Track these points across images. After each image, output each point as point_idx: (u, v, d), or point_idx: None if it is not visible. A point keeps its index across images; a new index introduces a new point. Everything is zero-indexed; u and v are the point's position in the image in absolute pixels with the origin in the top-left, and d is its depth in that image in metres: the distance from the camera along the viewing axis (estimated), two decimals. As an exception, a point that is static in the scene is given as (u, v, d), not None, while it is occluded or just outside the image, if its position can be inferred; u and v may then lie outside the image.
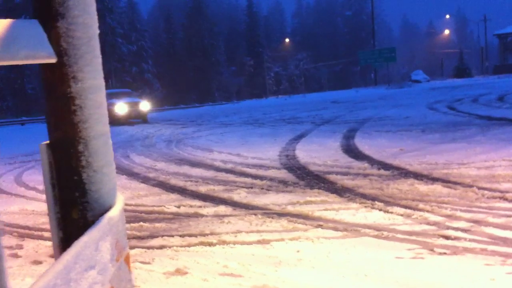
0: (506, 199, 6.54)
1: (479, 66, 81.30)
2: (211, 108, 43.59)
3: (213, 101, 57.10)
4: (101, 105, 2.07)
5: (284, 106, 36.39)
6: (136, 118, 28.21)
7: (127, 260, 2.44)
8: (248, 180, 9.32)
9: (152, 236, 6.11)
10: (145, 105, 29.12)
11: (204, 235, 6.00)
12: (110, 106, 25.77)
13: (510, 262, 4.38)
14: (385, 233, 5.57)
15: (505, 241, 4.99)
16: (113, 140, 2.20)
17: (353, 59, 68.77)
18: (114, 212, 2.24)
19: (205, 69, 60.66)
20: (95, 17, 1.90)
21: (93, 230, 1.86)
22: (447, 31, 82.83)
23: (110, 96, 27.24)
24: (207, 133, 20.55)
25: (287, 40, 75.24)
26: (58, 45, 1.81)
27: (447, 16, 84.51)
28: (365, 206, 6.77)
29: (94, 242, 1.81)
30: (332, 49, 75.92)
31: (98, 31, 1.91)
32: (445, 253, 4.80)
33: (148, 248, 5.66)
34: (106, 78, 50.97)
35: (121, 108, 27.62)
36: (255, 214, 6.81)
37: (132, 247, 5.70)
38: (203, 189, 8.84)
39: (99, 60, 2.00)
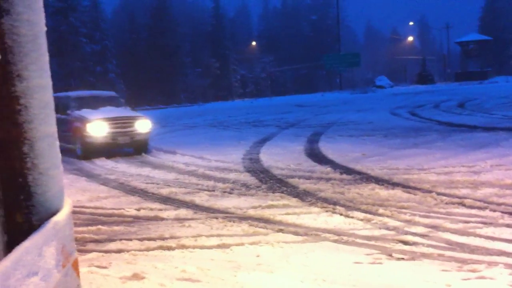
0: (464, 205, 6.65)
1: (441, 73, 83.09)
2: (175, 110, 43.23)
3: (178, 103, 56.74)
4: (47, 105, 1.97)
5: (250, 109, 36.40)
6: (128, 146, 14.85)
7: (75, 265, 2.34)
8: (211, 183, 9.25)
9: (110, 240, 5.98)
10: (143, 124, 14.76)
11: (164, 239, 5.91)
12: (77, 122, 14.26)
13: (466, 268, 4.43)
14: (345, 238, 5.59)
15: (462, 247, 5.06)
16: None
17: (318, 63, 69.38)
18: (61, 216, 2.15)
19: (170, 70, 60.22)
20: (42, 14, 1.82)
21: (36, 235, 1.77)
22: (410, 38, 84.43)
23: (79, 104, 15.25)
24: (171, 135, 20.37)
25: (253, 43, 75.42)
26: (2, 42, 1.73)
27: (411, 23, 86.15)
28: (326, 211, 6.78)
29: (37, 247, 1.73)
30: (298, 52, 76.40)
31: (45, 29, 1.82)
32: (403, 258, 4.83)
33: (106, 252, 5.53)
34: (67, 79, 49.61)
35: (98, 127, 14.10)
36: (216, 218, 6.75)
37: (89, 251, 5.56)
38: (164, 191, 8.72)
39: (45, 58, 1.91)
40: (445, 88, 49.73)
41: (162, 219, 6.89)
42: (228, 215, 6.88)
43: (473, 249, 4.95)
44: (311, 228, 6.07)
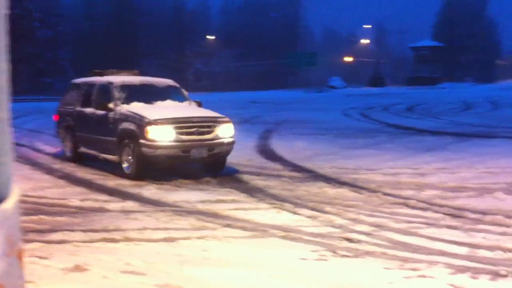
0: (407, 206, 6.81)
1: (393, 77, 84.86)
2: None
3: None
4: (1, 90, 1.88)
5: (204, 103, 36.17)
6: (202, 162, 9.45)
7: (20, 255, 2.25)
8: (159, 175, 9.12)
9: (52, 230, 5.82)
10: (227, 129, 9.39)
11: (108, 231, 5.79)
12: (128, 123, 9.16)
13: (408, 267, 4.54)
14: (292, 234, 5.63)
15: (404, 246, 5.18)
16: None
17: (276, 61, 69.66)
18: (8, 205, 2.07)
19: (127, 60, 59.21)
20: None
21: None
22: (366, 41, 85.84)
23: (127, 96, 9.81)
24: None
25: (212, 37, 75.03)
26: None
27: (367, 26, 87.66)
28: (275, 207, 6.82)
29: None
30: (257, 49, 76.46)
31: (3, 12, 1.73)
32: (347, 256, 4.91)
33: (47, 242, 5.38)
34: (18, 64, 47.93)
35: (164, 133, 8.79)
36: (163, 211, 6.68)
37: (30, 241, 5.39)
38: (111, 183, 8.57)
39: (1, 42, 1.82)
40: (396, 91, 50.86)
41: (108, 210, 6.77)
42: (176, 209, 6.81)
43: (415, 249, 5.07)
44: (259, 224, 6.09)
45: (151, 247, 5.24)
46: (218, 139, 9.09)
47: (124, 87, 9.92)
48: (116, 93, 9.67)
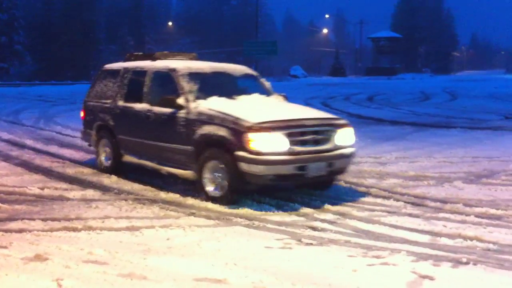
0: (370, 194, 6.90)
1: (353, 67, 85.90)
2: (87, 86, 41.58)
3: (89, 79, 54.69)
4: None
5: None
6: (319, 180, 6.87)
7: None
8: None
9: (11, 219, 5.65)
10: (347, 135, 6.85)
11: (69, 219, 5.66)
12: (215, 127, 6.52)
13: (371, 255, 4.60)
14: (256, 223, 5.63)
15: (367, 234, 5.24)
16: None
17: (237, 49, 69.34)
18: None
19: (83, 45, 57.74)
20: None
21: None
22: (326, 30, 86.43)
23: (199, 89, 7.17)
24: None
25: (170, 23, 74.10)
26: None
27: (327, 16, 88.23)
28: (239, 196, 6.78)
29: None
30: (218, 37, 75.99)
31: None
32: (311, 244, 4.93)
33: (6, 231, 5.21)
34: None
35: (274, 142, 6.19)
36: (126, 200, 6.57)
37: (-14, 231, 5.23)
38: (70, 171, 8.37)
39: None
40: (356, 81, 51.50)
41: (68, 199, 6.61)
42: (138, 197, 6.72)
43: (377, 236, 5.14)
44: (223, 212, 6.06)
45: (114, 236, 5.14)
46: (338, 149, 6.65)
47: (193, 76, 7.29)
48: (185, 84, 7.11)
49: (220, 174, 6.42)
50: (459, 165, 8.87)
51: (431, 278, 4.02)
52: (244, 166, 6.14)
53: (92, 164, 8.89)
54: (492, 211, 6.02)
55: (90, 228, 5.35)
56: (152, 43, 71.35)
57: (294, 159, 6.21)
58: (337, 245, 4.91)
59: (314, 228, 5.44)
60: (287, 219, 5.79)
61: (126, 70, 8.32)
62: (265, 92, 7.79)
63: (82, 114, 9.08)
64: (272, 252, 4.71)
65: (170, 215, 5.93)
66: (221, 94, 7.13)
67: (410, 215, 5.95)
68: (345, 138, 6.75)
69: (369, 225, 5.55)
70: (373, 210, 6.12)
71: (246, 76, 8.10)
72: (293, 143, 6.19)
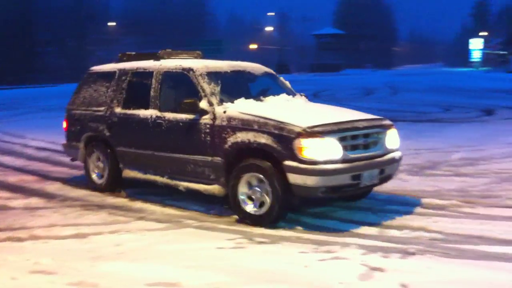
0: (319, 189, 6.97)
1: (298, 64, 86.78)
2: (31, 90, 40.11)
3: (33, 83, 52.87)
4: None
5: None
6: (367, 189, 6.28)
7: None
8: (65, 170, 8.74)
9: (-51, 232, 5.40)
10: (394, 138, 6.16)
11: (13, 229, 5.46)
12: (254, 133, 5.60)
13: (323, 249, 4.66)
14: (207, 224, 5.60)
15: (318, 229, 5.31)
16: None
17: (182, 48, 68.74)
18: None
19: (24, 47, 55.94)
20: None
21: None
22: (270, 28, 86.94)
23: (221, 90, 6.28)
24: (23, 118, 18.87)
25: (113, 23, 72.71)
26: None
27: (271, 14, 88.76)
28: (189, 196, 6.72)
29: None
30: (162, 36, 75.10)
31: None
32: (264, 242, 4.95)
33: None
34: None
35: (330, 148, 5.37)
36: (71, 206, 6.40)
37: None
38: (12, 179, 8.07)
39: None
40: (301, 78, 51.96)
41: (11, 208, 6.39)
42: (84, 203, 6.56)
43: (328, 231, 5.22)
44: (173, 215, 6.00)
45: (61, 244, 5.00)
46: (388, 153, 5.98)
47: (212, 76, 6.38)
48: (206, 86, 6.18)
49: (259, 189, 5.53)
50: (402, 158, 9.07)
51: (381, 270, 4.10)
52: (294, 177, 5.28)
53: (35, 171, 8.62)
54: (436, 201, 6.23)
55: (35, 237, 5.19)
56: (94, 44, 69.85)
57: (349, 167, 5.41)
58: (289, 241, 4.95)
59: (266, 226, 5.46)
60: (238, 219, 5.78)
61: (124, 72, 7.23)
62: (289, 92, 7.03)
63: (64, 124, 7.92)
64: (225, 252, 4.69)
65: (119, 220, 5.82)
66: (245, 96, 6.32)
67: (359, 208, 6.07)
68: (393, 140, 6.09)
69: (320, 221, 5.62)
70: (323, 206, 6.19)
71: (266, 74, 7.32)
72: (345, 148, 5.44)
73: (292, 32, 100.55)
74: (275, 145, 5.37)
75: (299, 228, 5.40)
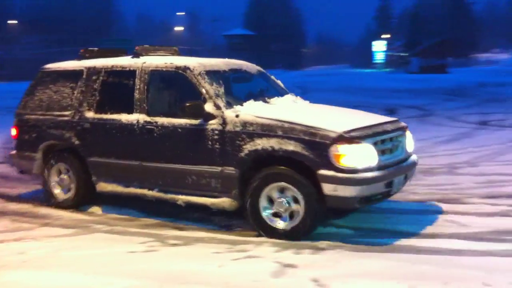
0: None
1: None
2: None
3: None
4: None
5: (14, 93, 33.29)
6: (389, 196, 5.48)
7: None
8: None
9: None
10: (410, 140, 5.74)
11: None
12: (277, 140, 5.01)
13: (236, 249, 4.67)
14: (118, 228, 5.45)
15: (232, 229, 5.34)
16: None
17: (90, 46, 66.46)
18: None
19: None
20: None
21: None
22: (179, 28, 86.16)
23: (224, 91, 5.63)
24: None
25: (14, 21, 69.12)
26: None
27: (180, 13, 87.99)
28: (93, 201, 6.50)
29: None
30: (68, 35, 72.22)
31: None
32: (177, 244, 4.89)
33: None
34: None
35: (366, 155, 4.91)
36: (-30, 214, 6.01)
37: None
38: None
39: None
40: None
41: None
42: (-15, 211, 6.18)
43: (239, 231, 5.25)
44: (81, 220, 5.80)
45: (-45, 256, 4.68)
46: (409, 157, 5.65)
47: (211, 75, 5.70)
48: (208, 87, 5.49)
49: (283, 198, 4.99)
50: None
51: (294, 266, 4.18)
52: (329, 188, 4.76)
53: None
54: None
55: None
56: (-6, 43, 66.13)
57: (384, 174, 4.97)
58: (202, 242, 4.93)
59: (179, 228, 5.41)
60: (152, 221, 5.68)
61: (94, 70, 6.27)
62: (283, 91, 6.47)
63: (14, 131, 6.76)
64: (136, 256, 4.59)
65: (23, 227, 5.54)
66: (248, 97, 5.73)
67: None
68: (410, 143, 5.70)
69: (237, 221, 5.59)
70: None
71: (260, 74, 6.68)
72: (380, 154, 5.00)
73: (203, 33, 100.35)
74: (306, 153, 4.83)
75: (214, 228, 5.39)
